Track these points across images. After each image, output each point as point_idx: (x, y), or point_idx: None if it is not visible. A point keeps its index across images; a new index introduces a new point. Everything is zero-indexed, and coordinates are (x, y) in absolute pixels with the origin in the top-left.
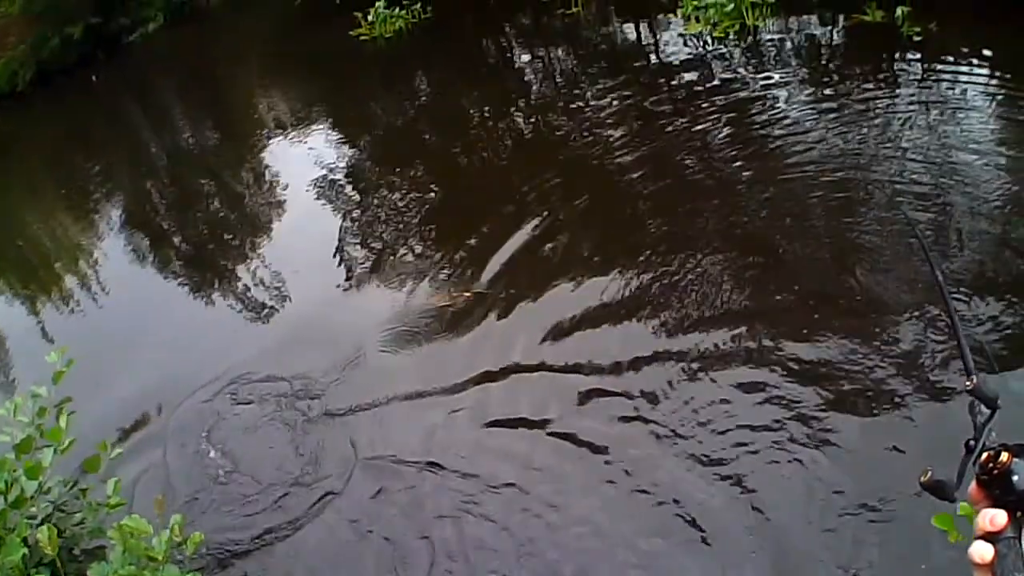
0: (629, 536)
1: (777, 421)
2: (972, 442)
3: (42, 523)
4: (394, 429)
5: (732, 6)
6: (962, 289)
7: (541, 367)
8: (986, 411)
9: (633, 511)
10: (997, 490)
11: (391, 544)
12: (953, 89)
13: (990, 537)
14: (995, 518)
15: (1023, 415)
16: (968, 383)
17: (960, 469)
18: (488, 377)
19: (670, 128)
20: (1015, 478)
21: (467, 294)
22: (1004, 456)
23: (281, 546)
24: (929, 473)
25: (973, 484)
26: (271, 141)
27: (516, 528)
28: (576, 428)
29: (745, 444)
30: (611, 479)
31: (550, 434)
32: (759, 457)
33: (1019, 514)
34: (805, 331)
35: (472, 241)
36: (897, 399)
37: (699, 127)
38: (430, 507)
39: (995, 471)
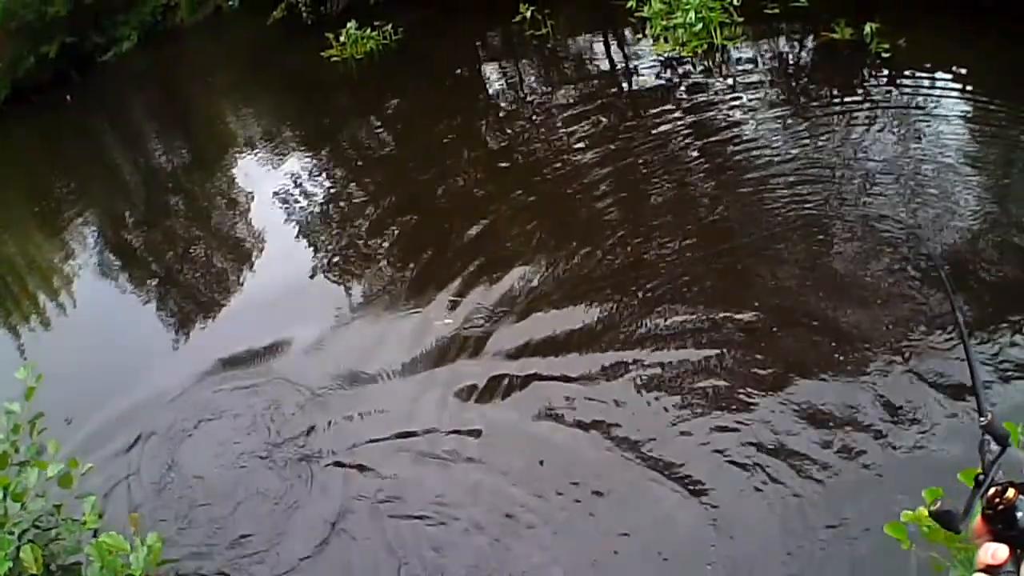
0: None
1: (737, 431)
2: (981, 477)
3: (20, 538)
4: (365, 428)
5: (700, 26)
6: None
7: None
8: (996, 448)
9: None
10: (1000, 525)
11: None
12: (923, 103)
13: (990, 570)
14: (997, 552)
15: None
16: (982, 419)
17: (967, 502)
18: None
19: (639, 147)
20: (1019, 515)
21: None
22: (1010, 493)
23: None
24: (939, 503)
25: (978, 517)
26: (242, 161)
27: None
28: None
29: (709, 458)
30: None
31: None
32: (722, 471)
33: (1020, 551)
34: (772, 350)
35: (442, 257)
36: (854, 410)
37: (668, 146)
38: (399, 509)
39: (1000, 506)
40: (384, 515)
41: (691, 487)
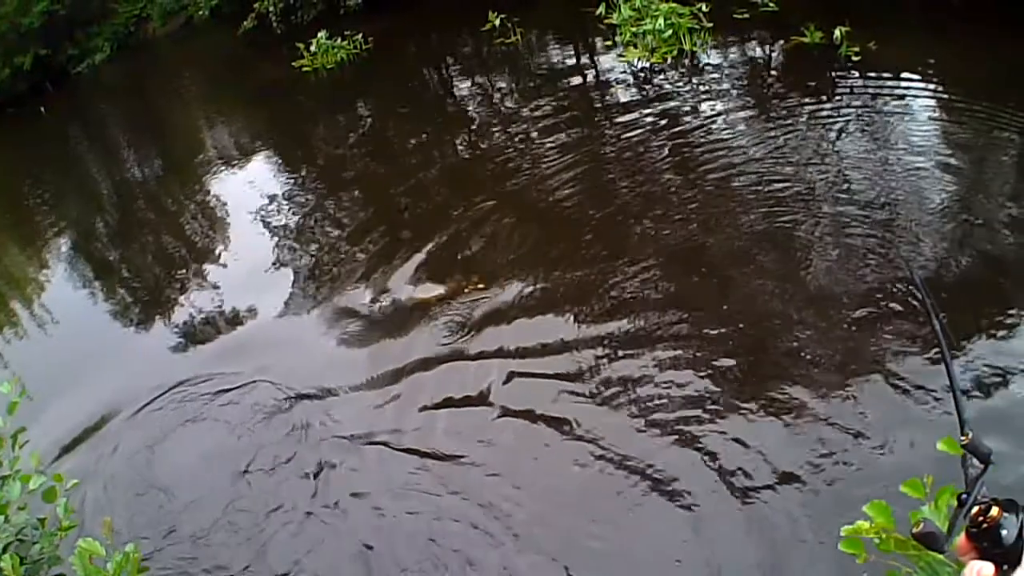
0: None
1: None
2: (964, 496)
3: (5, 550)
4: (343, 427)
5: (670, 32)
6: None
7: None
8: (978, 466)
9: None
10: (985, 543)
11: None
12: (894, 104)
13: None
14: (982, 570)
15: None
16: (963, 438)
17: (951, 521)
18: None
19: (609, 153)
20: (1003, 532)
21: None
22: (994, 511)
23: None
24: (923, 525)
25: (962, 536)
26: (215, 170)
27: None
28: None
29: (682, 455)
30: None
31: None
32: (695, 469)
33: (1005, 567)
34: (744, 349)
35: (413, 261)
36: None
37: (639, 151)
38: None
39: (985, 525)
40: (368, 511)
41: (665, 485)
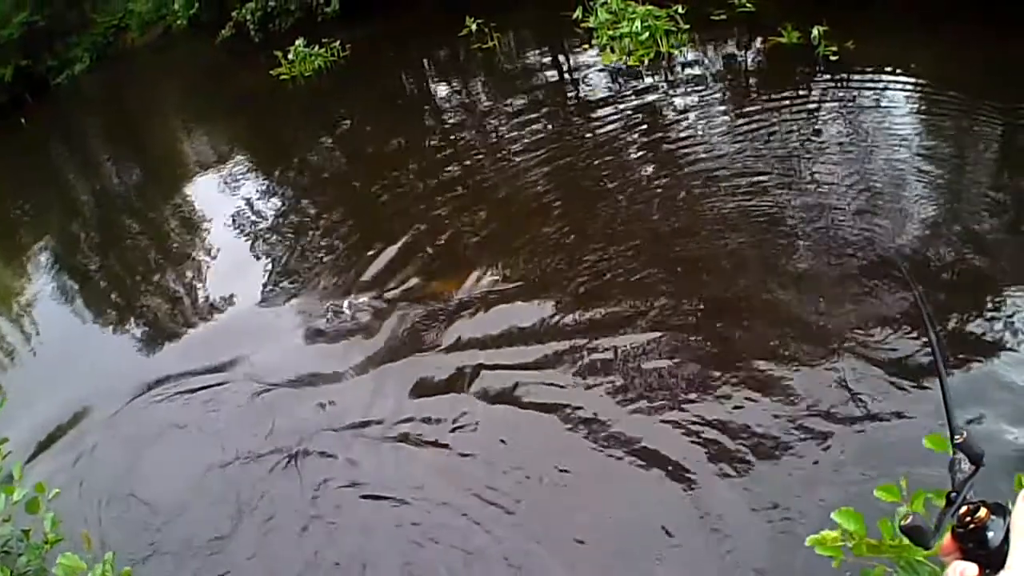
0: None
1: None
2: (953, 495)
3: None
4: (326, 420)
5: (647, 35)
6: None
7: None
8: (969, 466)
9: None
10: (971, 544)
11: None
12: (872, 101)
13: None
14: (965, 571)
15: None
16: (957, 437)
17: (939, 519)
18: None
19: (588, 154)
20: (990, 535)
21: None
22: (982, 512)
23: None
24: (910, 518)
25: (948, 535)
26: (195, 180)
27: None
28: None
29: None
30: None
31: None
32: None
33: (988, 570)
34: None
35: (391, 259)
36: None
37: (617, 152)
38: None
39: (972, 525)
40: (356, 500)
41: (653, 465)
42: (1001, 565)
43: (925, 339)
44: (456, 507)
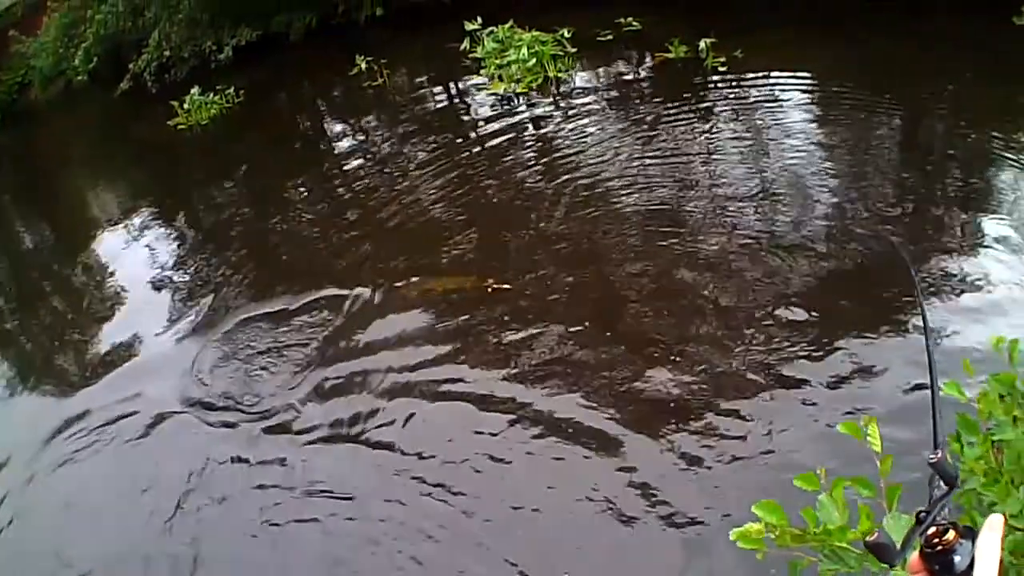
0: None
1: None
2: (924, 514)
3: None
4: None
5: (534, 61)
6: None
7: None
8: (943, 487)
9: None
10: (937, 565)
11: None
12: (764, 100)
13: None
14: None
15: None
16: (932, 456)
17: (906, 537)
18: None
19: (484, 180)
20: (956, 558)
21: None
22: (951, 534)
23: None
24: (876, 534)
25: (915, 554)
26: (99, 232)
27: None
28: None
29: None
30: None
31: None
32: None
33: None
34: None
35: (299, 294)
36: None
37: (512, 177)
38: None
39: (939, 547)
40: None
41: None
42: None
43: (816, 312)
44: (413, 505)
